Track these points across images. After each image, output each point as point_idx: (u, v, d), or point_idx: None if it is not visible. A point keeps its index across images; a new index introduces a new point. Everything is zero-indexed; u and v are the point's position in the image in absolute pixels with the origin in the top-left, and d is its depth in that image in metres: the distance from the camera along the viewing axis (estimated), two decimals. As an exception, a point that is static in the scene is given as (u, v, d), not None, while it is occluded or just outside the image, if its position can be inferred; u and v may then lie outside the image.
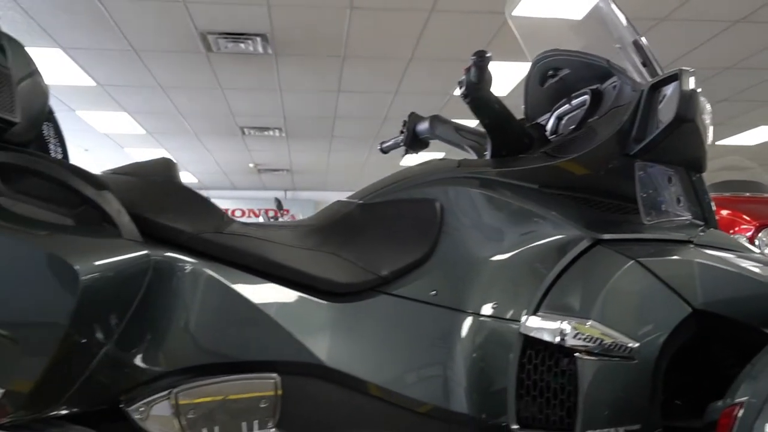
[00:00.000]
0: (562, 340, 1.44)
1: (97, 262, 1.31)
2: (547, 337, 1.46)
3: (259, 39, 6.62)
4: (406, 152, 2.16)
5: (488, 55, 1.65)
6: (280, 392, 1.47)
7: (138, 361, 1.43)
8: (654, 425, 1.46)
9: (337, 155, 12.89)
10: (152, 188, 1.57)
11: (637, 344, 1.45)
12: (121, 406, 1.44)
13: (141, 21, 6.25)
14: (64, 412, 1.39)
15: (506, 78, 7.20)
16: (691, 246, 1.59)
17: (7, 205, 1.33)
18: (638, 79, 1.73)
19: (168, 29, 6.45)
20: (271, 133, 10.92)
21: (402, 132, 2.16)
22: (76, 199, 1.39)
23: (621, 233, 1.58)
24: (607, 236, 1.56)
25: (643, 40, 1.75)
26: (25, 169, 1.38)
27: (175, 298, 1.47)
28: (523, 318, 1.50)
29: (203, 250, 1.52)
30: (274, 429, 1.48)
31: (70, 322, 1.26)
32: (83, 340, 1.31)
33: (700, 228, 1.67)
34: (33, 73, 1.59)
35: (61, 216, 1.37)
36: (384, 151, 2.29)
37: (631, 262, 1.51)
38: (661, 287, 1.50)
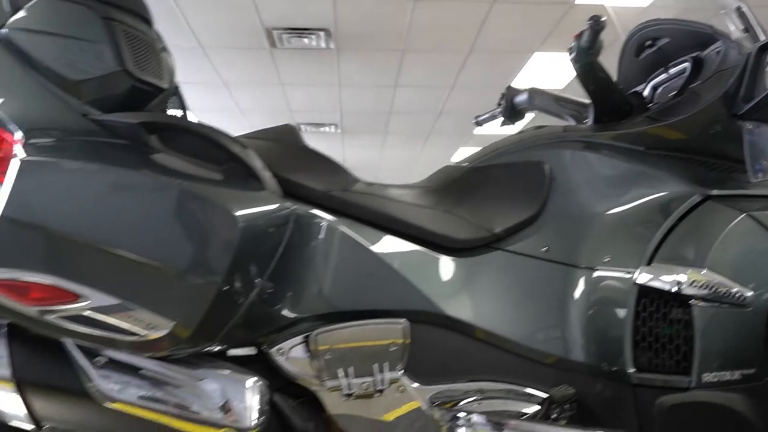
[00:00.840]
0: (678, 288, 1.51)
1: (250, 211, 1.43)
2: (662, 286, 1.54)
3: (322, 34, 6.77)
4: (503, 124, 2.24)
5: (603, 19, 1.73)
6: (408, 337, 1.58)
7: (279, 306, 1.55)
8: (764, 371, 1.53)
9: (391, 151, 13.03)
10: (283, 150, 1.69)
11: (750, 292, 1.52)
12: (263, 348, 1.56)
13: (210, 17, 6.46)
14: (216, 349, 1.51)
15: (564, 70, 7.26)
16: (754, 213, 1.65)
17: (166, 161, 1.46)
18: (742, 44, 1.80)
19: (235, 25, 6.65)
20: (327, 129, 11.10)
21: (499, 105, 2.25)
22: (224, 156, 1.51)
23: (730, 189, 1.64)
24: (716, 192, 1.63)
25: (745, 6, 1.81)
26: (180, 128, 1.51)
27: (311, 250, 1.59)
28: (638, 270, 1.58)
29: (333, 206, 1.63)
30: (402, 372, 1.58)
31: (229, 263, 1.38)
32: (238, 282, 1.44)
33: None
34: (165, 47, 1.73)
35: (212, 171, 1.50)
36: (479, 123, 2.38)
37: (743, 215, 1.58)
38: (769, 239, 1.57)
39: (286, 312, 1.56)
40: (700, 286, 1.51)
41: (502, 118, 2.21)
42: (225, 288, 1.39)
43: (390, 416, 1.60)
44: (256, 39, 6.99)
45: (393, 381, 1.58)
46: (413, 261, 1.66)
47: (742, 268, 1.55)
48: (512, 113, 2.19)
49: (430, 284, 1.64)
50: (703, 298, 1.51)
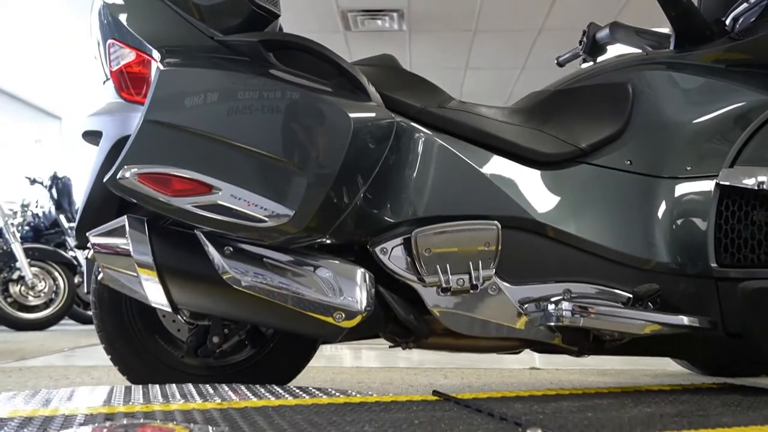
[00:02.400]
0: (761, 186, 1.61)
1: (359, 115, 1.60)
2: (746, 185, 1.63)
3: (395, 15, 6.93)
4: (584, 61, 2.35)
5: None
6: (499, 239, 1.71)
7: (382, 208, 1.71)
8: None
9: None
10: (384, 72, 1.85)
11: None
12: (368, 246, 1.72)
13: (288, 1, 6.68)
14: (327, 241, 1.68)
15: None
16: None
17: (284, 73, 1.64)
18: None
19: (312, 8, 6.87)
20: (396, 115, 11.26)
21: (581, 42, 2.35)
22: (334, 71, 1.68)
23: None
24: None
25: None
26: (295, 45, 1.68)
27: (411, 160, 1.74)
28: (721, 172, 1.67)
29: (430, 121, 1.78)
30: (494, 270, 1.72)
31: (342, 162, 1.55)
32: (348, 180, 1.60)
33: None
34: None
35: (324, 83, 1.67)
36: (561, 64, 2.50)
37: (825, 119, 1.66)
38: None
39: (388, 214, 1.72)
40: (783, 185, 1.60)
41: (583, 56, 2.31)
42: (337, 184, 1.56)
43: (483, 312, 1.74)
44: (332, 22, 7.20)
45: (486, 278, 1.72)
46: (504, 172, 1.80)
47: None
48: (593, 48, 2.29)
49: (520, 193, 1.78)
50: (782, 195, 1.60)
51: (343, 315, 1.61)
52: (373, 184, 1.67)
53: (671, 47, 2.03)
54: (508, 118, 1.90)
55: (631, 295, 1.72)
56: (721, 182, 1.66)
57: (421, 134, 1.76)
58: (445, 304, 1.73)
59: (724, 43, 1.90)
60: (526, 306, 1.75)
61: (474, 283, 1.71)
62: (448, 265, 1.70)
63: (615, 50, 2.25)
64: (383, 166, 1.68)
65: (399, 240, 1.71)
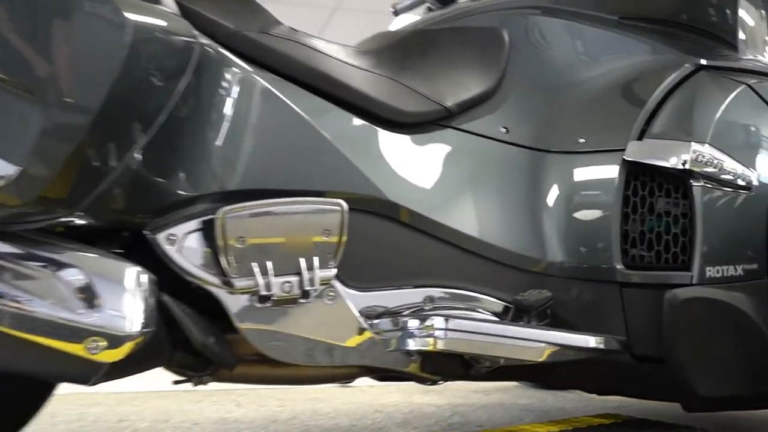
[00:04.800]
0: (678, 164, 1.24)
1: (145, 20, 0.99)
2: (659, 162, 1.26)
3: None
4: (429, 10, 1.90)
5: None
6: (345, 225, 1.19)
7: (171, 174, 1.11)
8: (765, 269, 1.30)
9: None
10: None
11: (754, 173, 1.29)
12: (145, 231, 1.12)
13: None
14: (79, 223, 1.06)
15: None
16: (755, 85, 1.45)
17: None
18: None
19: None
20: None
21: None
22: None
23: (720, 61, 1.40)
24: (708, 62, 1.38)
25: None
26: None
27: (219, 104, 1.16)
28: (626, 146, 1.29)
29: (247, 51, 1.21)
30: (335, 270, 1.20)
31: (110, 89, 0.94)
32: (120, 123, 1.01)
33: None
34: None
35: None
36: (397, 12, 2.02)
37: (743, 86, 1.35)
38: (772, 116, 1.35)
39: (180, 184, 1.12)
40: (705, 162, 1.25)
41: (429, 1, 1.86)
42: (97, 130, 0.94)
43: (315, 329, 1.21)
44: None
45: (324, 282, 1.19)
46: (349, 133, 1.28)
47: (745, 146, 1.32)
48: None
49: (369, 163, 1.27)
50: (705, 178, 1.25)
51: (103, 343, 0.99)
52: (159, 136, 1.07)
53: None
54: (354, 59, 1.37)
55: (512, 306, 1.29)
56: (628, 157, 1.28)
57: (235, 68, 1.18)
58: (262, 320, 1.17)
59: None
60: (373, 321, 1.25)
61: (306, 288, 1.17)
62: (269, 263, 1.15)
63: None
64: (175, 111, 1.08)
65: (195, 223, 1.13)
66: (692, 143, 1.25)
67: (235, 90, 1.17)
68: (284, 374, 1.31)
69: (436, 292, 1.29)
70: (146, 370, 1.21)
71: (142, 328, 1.01)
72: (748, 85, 1.34)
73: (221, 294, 1.15)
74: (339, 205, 1.19)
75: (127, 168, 1.06)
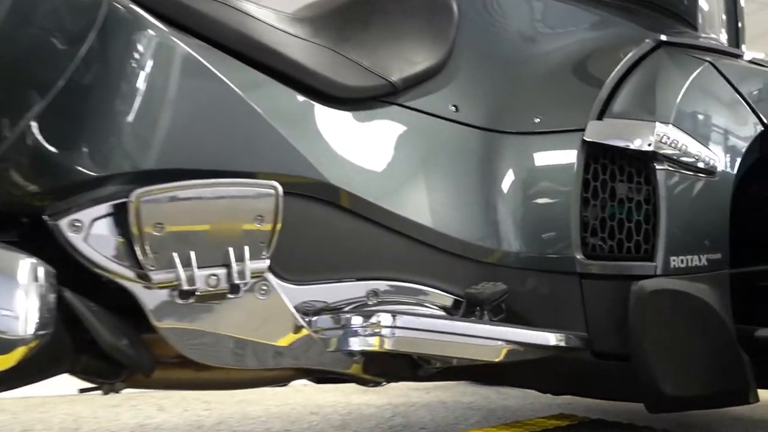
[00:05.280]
0: (642, 145, 1.15)
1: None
2: (622, 143, 1.17)
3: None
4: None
5: None
6: (280, 209, 1.06)
7: (74, 148, 0.96)
8: (728, 260, 1.23)
9: None
10: None
11: (717, 157, 1.21)
12: (45, 217, 0.96)
13: None
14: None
15: None
16: (744, 62, 1.39)
17: None
18: None
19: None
20: None
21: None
22: None
23: (680, 38, 1.32)
24: (668, 38, 1.29)
25: None
26: None
27: (132, 69, 1.01)
28: (585, 126, 1.19)
29: (165, 11, 1.05)
30: (268, 261, 1.06)
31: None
32: (8, 87, 0.84)
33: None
34: None
35: None
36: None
37: (705, 64, 1.27)
38: (735, 97, 1.28)
39: (85, 161, 0.97)
40: (670, 144, 1.16)
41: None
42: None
43: (246, 328, 1.07)
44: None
45: (256, 274, 1.05)
46: (284, 107, 1.14)
47: (708, 128, 1.24)
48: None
49: (306, 141, 1.13)
50: (669, 160, 1.16)
51: (-12, 347, 0.83)
52: (59, 104, 0.92)
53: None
54: (290, 27, 1.23)
55: (464, 300, 1.18)
56: (588, 138, 1.18)
57: (151, 30, 1.02)
58: (183, 318, 1.03)
59: None
60: (311, 318, 1.11)
61: (234, 282, 1.03)
62: (192, 253, 1.00)
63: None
64: (77, 76, 0.93)
65: (105, 208, 0.97)
66: (656, 123, 1.17)
67: (151, 55, 1.02)
68: (210, 378, 1.16)
69: (381, 285, 1.17)
70: (46, 378, 1.05)
71: (38, 329, 0.86)
72: (711, 63, 1.27)
73: (136, 289, 1.00)
74: (273, 187, 1.05)
75: (22, 139, 0.90)
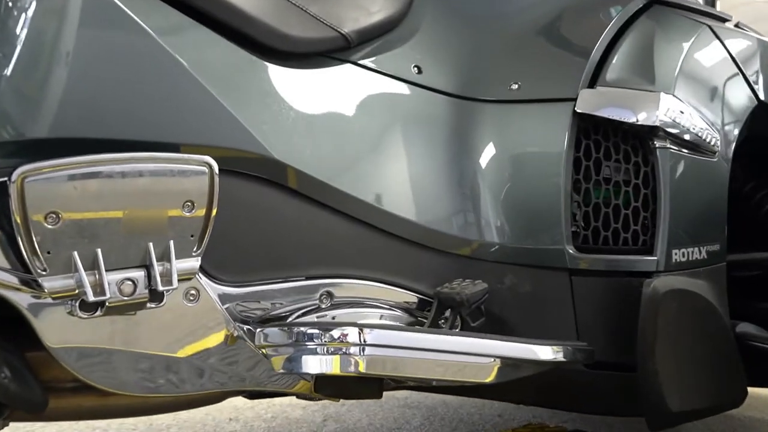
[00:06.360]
0: (652, 119, 0.98)
1: None
2: (622, 116, 0.99)
3: None
4: None
5: None
6: (215, 191, 0.82)
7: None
8: (725, 251, 1.09)
9: None
10: None
11: (718, 134, 1.06)
12: None
13: None
14: None
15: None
16: (732, 26, 1.25)
17: None
18: None
19: None
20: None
21: None
22: None
23: None
24: None
25: None
26: None
27: (20, 9, 0.74)
28: (580, 94, 1.01)
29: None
30: (199, 259, 0.82)
31: None
32: None
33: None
34: None
35: None
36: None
37: (704, 27, 1.12)
38: (732, 67, 1.13)
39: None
40: (672, 120, 1.00)
41: None
42: None
43: (169, 344, 0.83)
44: None
45: (185, 276, 0.81)
46: (216, 61, 0.90)
47: (709, 101, 1.08)
48: None
49: (244, 106, 0.89)
50: (672, 138, 1.00)
51: None
52: None
53: None
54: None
55: (434, 300, 0.98)
56: (580, 110, 1.00)
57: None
58: (86, 334, 0.78)
59: None
60: (252, 328, 0.89)
61: (158, 288, 0.79)
62: (99, 251, 0.76)
63: None
64: None
65: (-23, 186, 0.72)
66: (661, 94, 1.00)
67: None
68: (118, 404, 0.92)
69: (336, 284, 0.95)
70: None
71: None
72: (709, 26, 1.12)
73: (19, 299, 0.75)
74: (206, 164, 0.81)
75: None
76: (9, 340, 0.80)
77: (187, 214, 0.81)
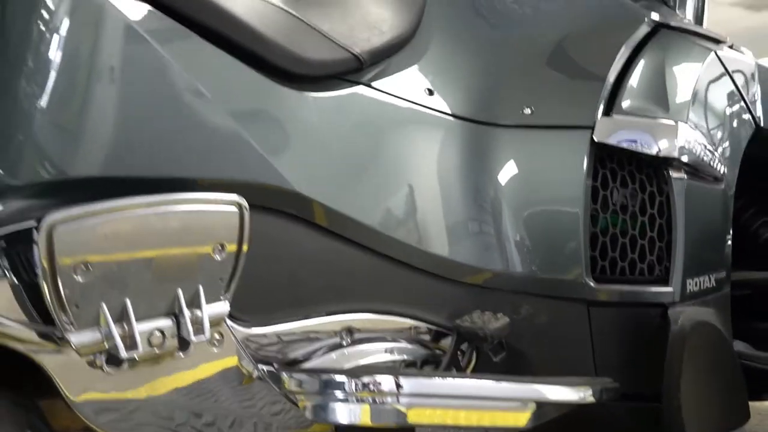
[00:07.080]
0: (671, 148, 0.98)
1: None
2: (640, 146, 0.99)
3: None
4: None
5: None
6: (246, 230, 0.77)
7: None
8: (729, 278, 1.11)
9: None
10: None
11: (723, 162, 1.07)
12: None
13: None
14: None
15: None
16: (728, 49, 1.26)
17: None
18: None
19: None
20: None
21: None
22: None
23: (670, 20, 1.16)
24: (661, 20, 1.13)
25: None
26: None
27: (44, 35, 0.68)
28: (598, 122, 1.00)
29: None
30: (228, 303, 0.77)
31: None
32: None
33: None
34: None
35: None
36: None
37: (711, 53, 1.13)
38: (735, 93, 1.15)
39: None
40: (689, 148, 1.00)
41: None
42: None
43: (195, 394, 0.78)
44: None
45: (215, 321, 0.76)
46: (245, 92, 0.84)
47: (716, 127, 1.10)
48: None
49: (265, 136, 0.84)
50: (686, 166, 1.00)
51: None
52: None
53: None
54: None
55: (452, 333, 0.96)
56: (598, 138, 0.99)
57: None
58: (110, 388, 0.72)
59: None
60: (272, 367, 0.85)
61: (189, 337, 0.74)
62: (128, 301, 0.70)
63: None
64: None
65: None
66: (679, 124, 1.00)
67: (66, 13, 0.69)
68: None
69: (356, 319, 0.92)
70: None
71: None
72: (715, 53, 1.13)
73: (40, 354, 0.69)
74: (236, 204, 0.76)
75: None
76: (24, 394, 0.73)
77: (218, 257, 0.75)
